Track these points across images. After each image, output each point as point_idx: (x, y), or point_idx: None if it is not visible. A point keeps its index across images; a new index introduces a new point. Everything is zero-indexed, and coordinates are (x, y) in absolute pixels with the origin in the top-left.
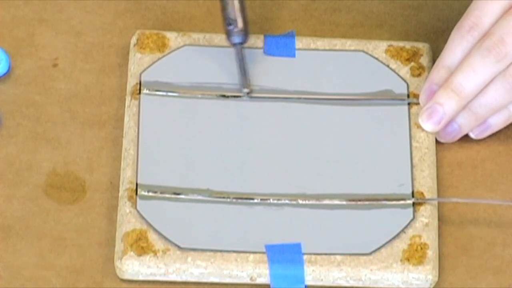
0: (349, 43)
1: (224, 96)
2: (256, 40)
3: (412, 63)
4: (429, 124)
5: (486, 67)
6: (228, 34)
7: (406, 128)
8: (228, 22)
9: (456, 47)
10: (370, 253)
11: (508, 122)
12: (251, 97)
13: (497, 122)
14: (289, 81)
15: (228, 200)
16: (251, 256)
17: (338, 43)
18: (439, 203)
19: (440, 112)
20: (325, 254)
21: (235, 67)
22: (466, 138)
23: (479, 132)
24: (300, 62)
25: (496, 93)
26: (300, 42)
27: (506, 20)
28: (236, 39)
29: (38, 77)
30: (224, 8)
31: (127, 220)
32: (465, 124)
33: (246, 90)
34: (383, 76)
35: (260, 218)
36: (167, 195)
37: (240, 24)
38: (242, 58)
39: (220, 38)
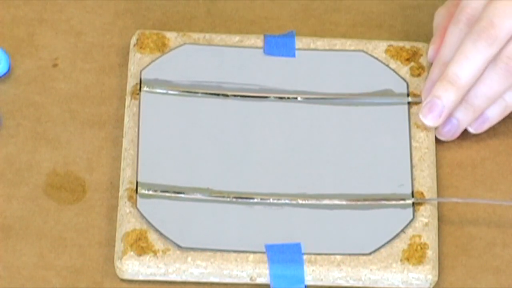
0: (349, 43)
1: (224, 95)
2: (256, 40)
3: (412, 63)
4: (430, 119)
5: (478, 52)
6: None
7: (406, 128)
8: None
9: (450, 41)
10: (370, 253)
11: (505, 114)
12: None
13: (494, 114)
14: (289, 81)
15: (228, 199)
16: (251, 256)
17: (338, 43)
18: (439, 203)
19: (439, 106)
20: (325, 254)
21: (235, 66)
22: (466, 138)
23: (478, 126)
24: (300, 62)
25: (491, 81)
26: (300, 42)
27: (493, 4)
28: None
29: (38, 77)
30: None
31: (127, 220)
32: (464, 119)
33: None
34: (383, 76)
35: (260, 217)
36: (167, 194)
37: None
38: None
39: (220, 38)
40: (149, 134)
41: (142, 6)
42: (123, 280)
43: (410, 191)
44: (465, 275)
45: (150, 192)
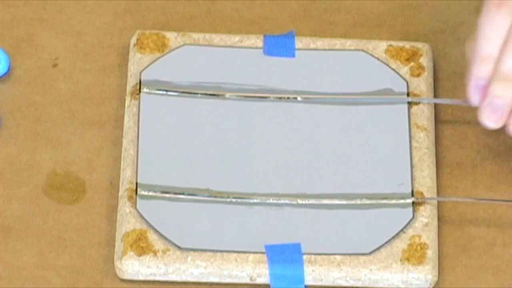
0: (349, 43)
1: (224, 95)
2: (256, 40)
3: (412, 63)
4: (493, 121)
5: None
6: None
7: (406, 127)
8: None
9: (490, 31)
10: (370, 253)
11: None
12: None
13: None
14: (289, 81)
15: (228, 200)
16: (251, 256)
17: (338, 43)
18: (438, 203)
19: (501, 106)
20: (325, 254)
21: (235, 66)
22: (466, 137)
23: None
24: (300, 62)
25: None
26: (300, 42)
27: None
28: None
29: (38, 77)
30: None
31: (127, 220)
32: None
33: None
34: (383, 75)
35: (260, 218)
36: (167, 195)
37: None
38: None
39: (219, 38)
40: (149, 136)
41: (142, 6)
42: (123, 280)
43: (410, 190)
44: (465, 275)
45: (150, 193)
